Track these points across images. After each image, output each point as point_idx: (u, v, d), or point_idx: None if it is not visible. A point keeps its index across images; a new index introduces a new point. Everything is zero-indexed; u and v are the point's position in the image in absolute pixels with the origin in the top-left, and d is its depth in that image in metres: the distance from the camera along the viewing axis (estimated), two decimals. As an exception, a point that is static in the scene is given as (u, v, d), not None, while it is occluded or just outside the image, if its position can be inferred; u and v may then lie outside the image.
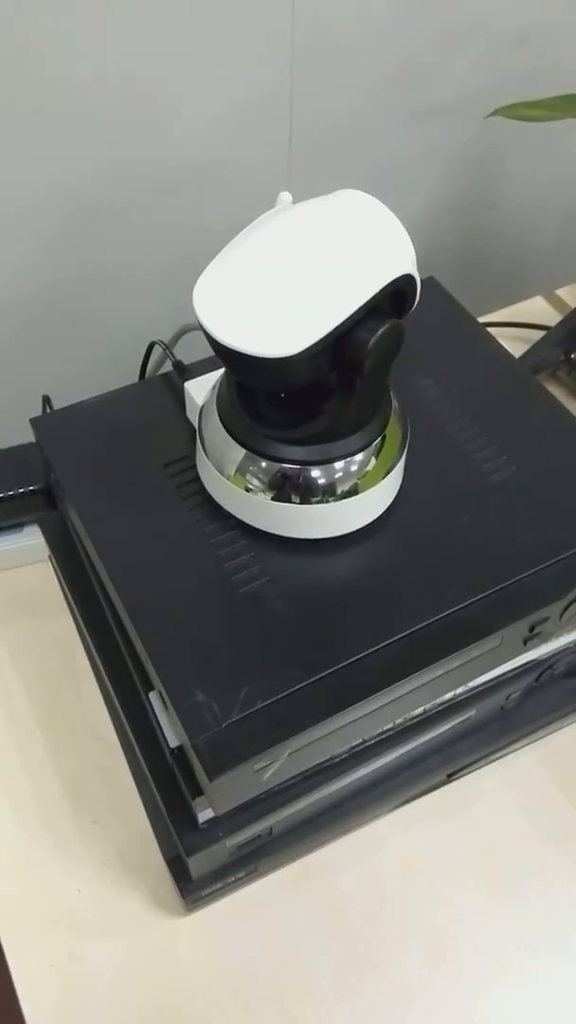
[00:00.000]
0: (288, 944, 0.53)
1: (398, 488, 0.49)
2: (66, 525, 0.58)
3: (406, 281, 0.42)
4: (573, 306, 0.86)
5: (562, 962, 0.53)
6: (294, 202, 0.44)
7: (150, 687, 0.48)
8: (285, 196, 0.44)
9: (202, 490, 0.49)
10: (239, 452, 0.46)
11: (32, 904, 0.54)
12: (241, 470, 0.46)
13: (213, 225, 0.76)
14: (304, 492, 0.45)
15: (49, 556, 0.62)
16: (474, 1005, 0.51)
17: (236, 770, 0.40)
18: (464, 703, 0.54)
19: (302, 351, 0.39)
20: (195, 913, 0.54)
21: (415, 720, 0.53)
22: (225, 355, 0.41)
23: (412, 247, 0.42)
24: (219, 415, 0.47)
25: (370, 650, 0.43)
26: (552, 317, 0.86)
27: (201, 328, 0.41)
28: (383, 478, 0.47)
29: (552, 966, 0.53)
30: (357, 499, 0.46)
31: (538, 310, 0.88)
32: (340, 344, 0.40)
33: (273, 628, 0.44)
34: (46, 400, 0.64)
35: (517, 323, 0.84)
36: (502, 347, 0.58)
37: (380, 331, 0.40)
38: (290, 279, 0.40)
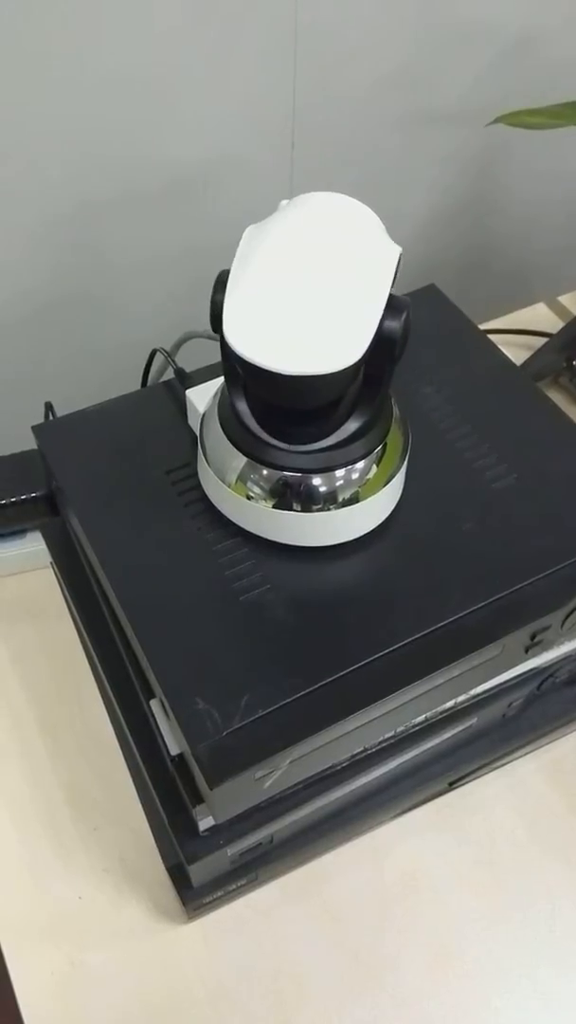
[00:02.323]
0: (289, 952, 0.53)
1: (399, 496, 0.49)
2: (68, 532, 0.59)
3: (400, 260, 0.43)
4: (575, 313, 0.86)
5: (564, 971, 0.53)
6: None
7: (151, 694, 0.48)
8: (285, 205, 0.44)
9: (203, 497, 0.49)
10: (240, 460, 0.46)
11: (33, 911, 0.54)
12: (242, 478, 0.46)
13: (216, 232, 0.77)
14: (305, 500, 0.45)
15: (51, 563, 0.62)
16: (476, 1015, 0.51)
17: (237, 778, 0.40)
18: (466, 711, 0.54)
19: (359, 359, 0.40)
20: (196, 921, 0.54)
21: (417, 728, 0.53)
22: (269, 381, 0.41)
23: (380, 221, 0.43)
24: (220, 423, 0.47)
25: (371, 658, 0.43)
26: (554, 324, 0.86)
27: (242, 362, 0.40)
28: (384, 486, 0.47)
29: (554, 975, 0.53)
30: (358, 507, 0.46)
31: (540, 317, 0.88)
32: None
33: (274, 636, 0.44)
34: (48, 407, 0.64)
35: (519, 330, 0.84)
36: (503, 354, 0.58)
37: (403, 316, 0.41)
38: (313, 294, 0.40)
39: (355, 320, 0.40)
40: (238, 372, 0.45)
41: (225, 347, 0.43)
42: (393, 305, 0.41)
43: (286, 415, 0.45)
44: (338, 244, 0.42)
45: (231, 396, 0.46)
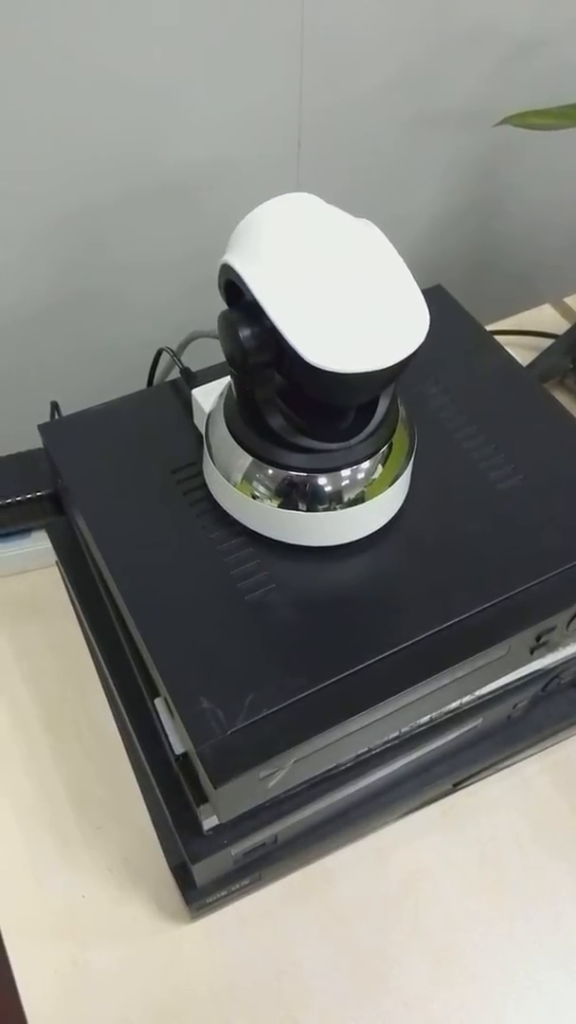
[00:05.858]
0: (292, 952, 0.53)
1: (405, 496, 0.49)
2: (73, 531, 0.59)
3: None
4: (581, 314, 0.86)
5: (569, 973, 0.53)
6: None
7: (156, 693, 0.48)
8: (243, 226, 0.43)
9: (209, 497, 0.49)
10: (246, 459, 0.46)
11: (36, 910, 0.54)
12: (248, 477, 0.46)
13: (221, 233, 0.76)
14: (311, 499, 0.45)
15: (56, 562, 0.62)
16: (478, 1016, 0.51)
17: (241, 778, 0.40)
18: (470, 712, 0.53)
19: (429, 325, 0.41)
20: (199, 920, 0.54)
21: (421, 729, 0.53)
22: (333, 382, 0.41)
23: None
24: (226, 422, 0.47)
25: (376, 658, 0.43)
26: (560, 325, 0.85)
27: (317, 371, 0.40)
28: (390, 486, 0.47)
29: (558, 977, 0.52)
30: (364, 507, 0.46)
31: (546, 318, 0.88)
32: None
33: (279, 635, 0.44)
34: (54, 406, 0.64)
35: (525, 331, 0.84)
36: (509, 355, 0.58)
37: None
38: (354, 290, 0.41)
39: (404, 294, 0.41)
40: (247, 377, 0.44)
41: (239, 355, 0.42)
42: None
43: (290, 413, 0.45)
44: (330, 238, 0.42)
45: (237, 396, 0.46)
